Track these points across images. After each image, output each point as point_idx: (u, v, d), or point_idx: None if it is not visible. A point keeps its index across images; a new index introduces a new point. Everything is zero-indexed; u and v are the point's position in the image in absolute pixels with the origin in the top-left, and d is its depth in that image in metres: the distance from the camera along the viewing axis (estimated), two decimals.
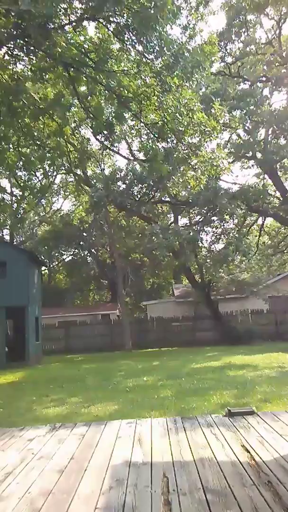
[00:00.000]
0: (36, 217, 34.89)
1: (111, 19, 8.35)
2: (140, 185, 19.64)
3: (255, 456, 2.64)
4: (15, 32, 7.47)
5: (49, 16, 7.07)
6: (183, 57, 8.30)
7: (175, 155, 10.20)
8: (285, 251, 25.78)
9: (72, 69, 9.09)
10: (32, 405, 7.08)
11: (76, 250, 34.28)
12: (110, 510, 2.07)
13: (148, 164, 11.05)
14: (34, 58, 9.32)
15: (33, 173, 17.95)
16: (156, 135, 10.15)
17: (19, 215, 28.48)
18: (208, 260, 19.33)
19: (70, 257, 35.54)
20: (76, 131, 12.97)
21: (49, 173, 22.62)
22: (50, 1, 6.79)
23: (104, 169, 26.27)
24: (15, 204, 28.12)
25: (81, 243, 32.19)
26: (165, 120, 9.30)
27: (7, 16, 7.06)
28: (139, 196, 20.31)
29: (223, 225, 18.62)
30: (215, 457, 2.69)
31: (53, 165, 17.32)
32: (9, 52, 8.72)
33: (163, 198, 21.23)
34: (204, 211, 18.95)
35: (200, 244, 18.96)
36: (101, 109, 10.57)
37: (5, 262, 16.48)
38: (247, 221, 23.56)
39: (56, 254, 35.95)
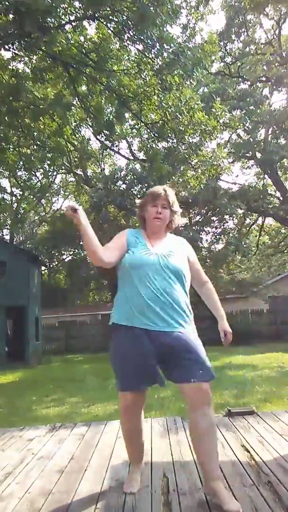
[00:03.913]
0: (36, 217, 34.88)
1: (110, 17, 8.35)
2: (140, 185, 19.64)
3: (255, 456, 2.64)
4: (15, 32, 7.47)
5: (47, 10, 7.03)
6: (184, 54, 8.29)
7: (175, 155, 10.20)
8: (285, 251, 25.77)
9: (72, 69, 9.09)
10: (32, 405, 7.07)
11: (76, 250, 34.26)
12: (110, 510, 2.07)
13: (148, 164, 11.06)
14: (34, 57, 9.32)
15: (33, 173, 17.95)
16: (156, 135, 10.15)
17: (19, 215, 28.46)
18: (208, 260, 19.33)
19: (70, 257, 35.55)
20: (76, 131, 12.96)
21: (49, 173, 22.61)
22: None
23: (104, 169, 26.28)
24: (15, 204, 28.12)
25: (81, 243, 32.14)
26: (165, 119, 9.30)
27: (5, 13, 7.05)
28: (139, 196, 20.31)
29: (223, 225, 18.62)
30: None
31: (53, 165, 17.32)
32: (8, 50, 8.71)
33: None
34: (204, 211, 18.95)
35: (200, 244, 18.95)
36: (101, 109, 10.56)
37: (5, 262, 16.47)
38: (247, 221, 23.56)
39: (56, 254, 35.93)
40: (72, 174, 25.63)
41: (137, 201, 2.46)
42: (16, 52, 8.89)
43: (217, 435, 2.13)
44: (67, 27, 9.19)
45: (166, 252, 2.22)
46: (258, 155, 21.12)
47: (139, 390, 2.19)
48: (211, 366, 2.12)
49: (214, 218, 18.43)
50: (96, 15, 8.46)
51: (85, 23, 9.28)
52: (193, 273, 2.35)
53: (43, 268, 28.52)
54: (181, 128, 9.48)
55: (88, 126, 13.42)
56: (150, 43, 8.35)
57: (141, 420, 2.36)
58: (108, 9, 8.11)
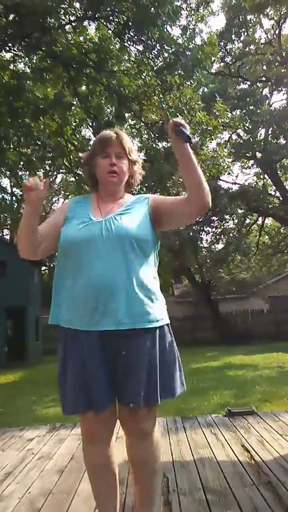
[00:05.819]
0: None
1: (111, 18, 8.37)
2: (140, 185, 19.64)
3: (255, 456, 2.64)
4: (16, 32, 7.47)
5: (47, 11, 7.05)
6: (184, 55, 8.32)
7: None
8: (285, 251, 25.78)
9: (72, 69, 9.10)
10: (32, 405, 7.08)
11: None
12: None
13: (148, 164, 11.06)
14: (34, 58, 9.33)
15: (34, 173, 17.97)
16: (157, 135, 10.16)
17: (19, 215, 28.46)
18: (208, 260, 19.34)
19: None
20: (76, 131, 12.97)
21: (49, 173, 22.63)
22: None
23: None
24: (15, 204, 28.12)
25: None
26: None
27: (5, 14, 7.07)
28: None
29: (223, 225, 18.63)
30: (215, 457, 2.69)
31: (53, 165, 17.33)
32: (10, 51, 8.73)
33: None
34: None
35: (200, 244, 18.96)
36: (101, 109, 10.57)
37: (5, 262, 16.48)
38: (247, 221, 23.58)
39: (56, 254, 35.94)
40: (72, 174, 25.62)
41: (82, 155, 1.80)
42: (17, 52, 8.91)
43: (155, 470, 1.76)
44: (68, 27, 9.21)
45: (116, 214, 1.59)
46: (258, 155, 21.14)
47: (95, 411, 1.57)
48: (154, 388, 1.55)
49: (214, 218, 18.43)
50: (97, 16, 8.47)
51: (85, 23, 9.30)
52: (175, 205, 1.63)
53: (43, 268, 28.51)
54: None
55: (88, 126, 13.43)
56: (151, 43, 8.36)
57: (113, 455, 1.77)
58: (108, 9, 8.12)
